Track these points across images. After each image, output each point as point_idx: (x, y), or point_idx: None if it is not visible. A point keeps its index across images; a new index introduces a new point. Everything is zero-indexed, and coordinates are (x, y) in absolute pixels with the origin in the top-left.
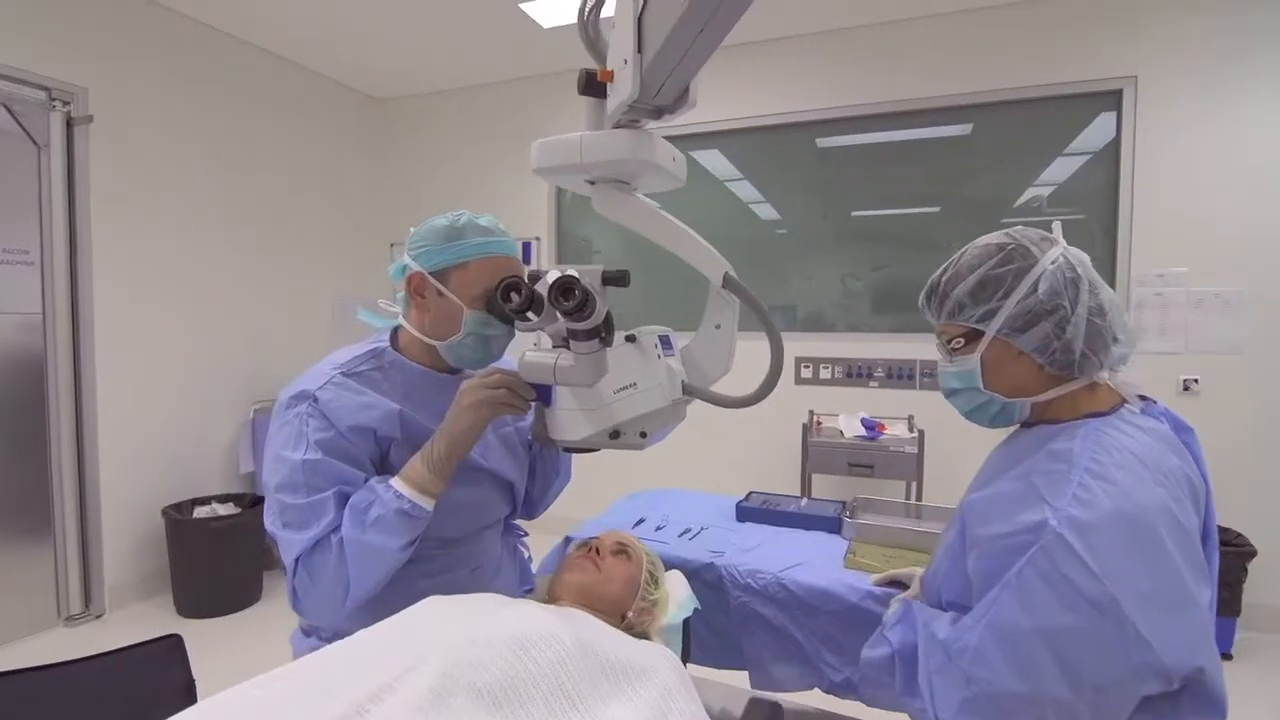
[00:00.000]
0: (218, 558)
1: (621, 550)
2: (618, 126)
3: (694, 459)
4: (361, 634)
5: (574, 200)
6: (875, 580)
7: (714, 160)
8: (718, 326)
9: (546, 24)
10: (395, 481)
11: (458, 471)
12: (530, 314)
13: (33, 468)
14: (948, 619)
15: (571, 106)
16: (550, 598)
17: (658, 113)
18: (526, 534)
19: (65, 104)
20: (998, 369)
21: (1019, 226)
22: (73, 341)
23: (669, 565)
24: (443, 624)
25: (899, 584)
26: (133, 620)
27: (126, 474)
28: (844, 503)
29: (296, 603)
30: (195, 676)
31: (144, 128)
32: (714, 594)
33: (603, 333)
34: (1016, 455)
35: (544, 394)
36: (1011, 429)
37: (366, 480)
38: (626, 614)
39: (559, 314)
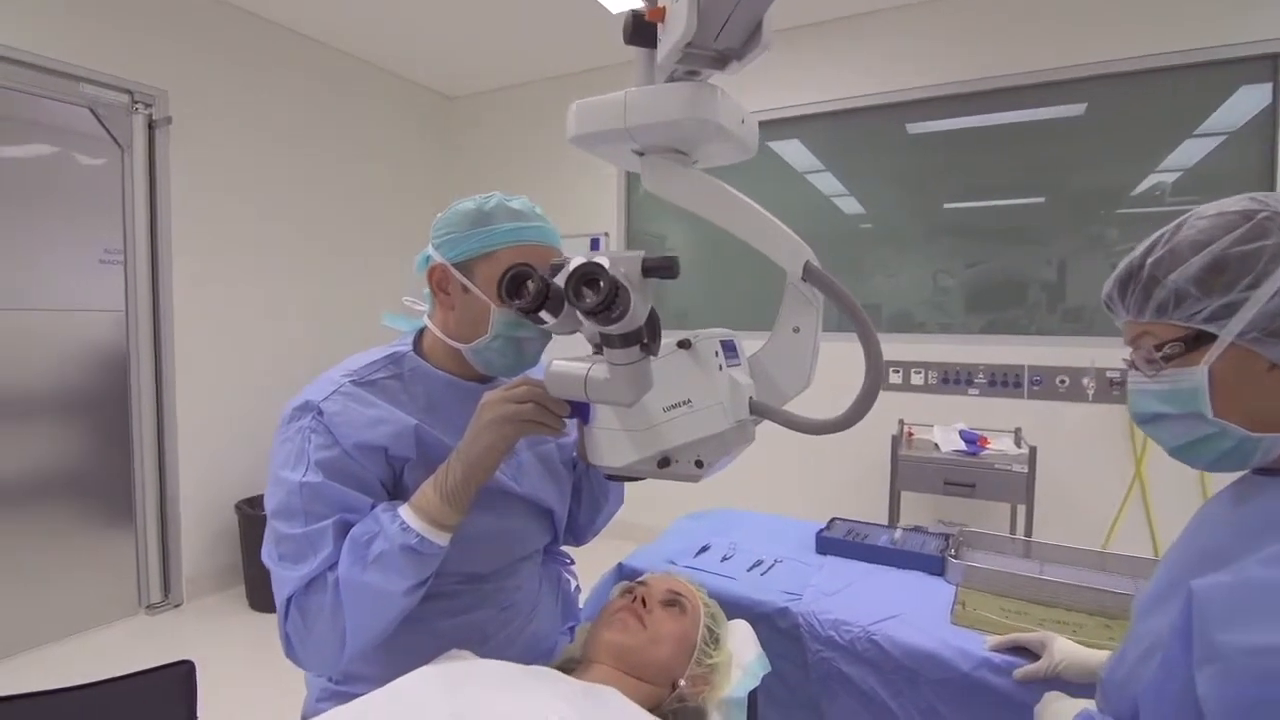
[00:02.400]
0: None
1: (674, 601)
2: (672, 80)
3: (764, 470)
4: None
5: (646, 193)
6: (992, 644)
7: (793, 151)
8: (796, 330)
9: (615, 9)
10: (404, 510)
11: (484, 498)
12: (545, 313)
13: (116, 459)
14: None
15: None
16: (584, 658)
17: (722, 60)
18: (572, 561)
19: (147, 106)
20: (1235, 389)
21: (1265, 192)
22: (154, 337)
23: (736, 609)
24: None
25: (1024, 650)
26: (208, 611)
27: (204, 468)
28: (946, 536)
29: (290, 650)
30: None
31: (220, 128)
32: (789, 644)
33: (645, 338)
34: (1270, 519)
35: (581, 409)
36: (1237, 474)
37: (374, 508)
38: (678, 683)
39: (580, 314)
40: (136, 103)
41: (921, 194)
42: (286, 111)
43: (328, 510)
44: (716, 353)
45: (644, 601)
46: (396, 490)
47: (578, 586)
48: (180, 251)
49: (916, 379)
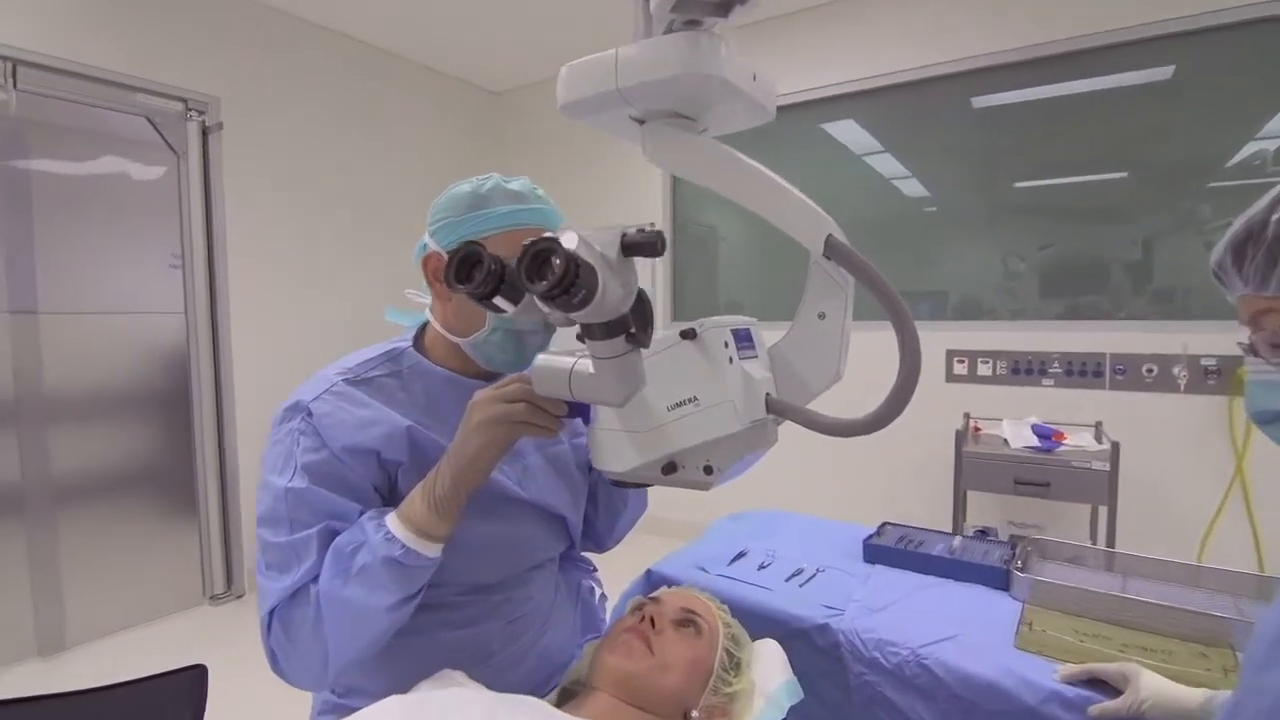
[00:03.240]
0: None
1: (688, 621)
2: (670, 33)
3: (814, 469)
4: None
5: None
6: (1064, 675)
7: (848, 132)
8: (822, 315)
9: None
10: (390, 520)
11: (486, 504)
12: (500, 299)
13: (180, 454)
14: None
15: None
16: (587, 683)
17: (724, 5)
18: (594, 568)
19: (200, 113)
20: None
21: None
22: (212, 337)
23: (771, 624)
24: None
25: (1101, 683)
26: None
27: (260, 463)
28: (1012, 545)
29: (274, 665)
30: None
31: (269, 131)
32: (829, 663)
33: (631, 327)
34: None
35: (580, 408)
36: None
37: (362, 515)
38: (690, 713)
39: (538, 300)
40: (190, 110)
41: (989, 173)
42: (333, 112)
43: (313, 518)
44: (726, 343)
45: (653, 621)
46: (391, 496)
47: (603, 594)
48: (234, 253)
49: (984, 369)
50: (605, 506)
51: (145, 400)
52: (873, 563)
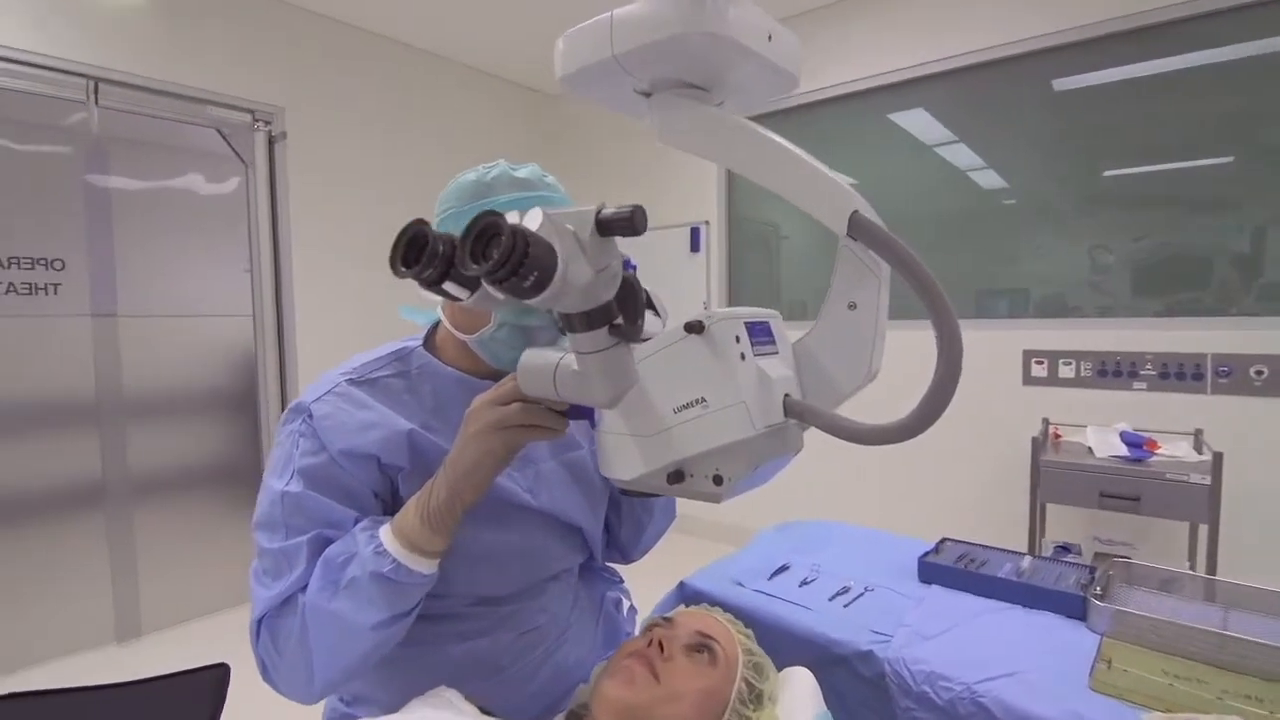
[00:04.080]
0: None
1: (702, 646)
2: None
3: (871, 475)
4: None
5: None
6: None
7: (918, 122)
8: (852, 306)
9: None
10: (383, 532)
11: (494, 512)
12: (451, 285)
13: (247, 451)
14: None
15: None
16: (590, 711)
17: None
18: (620, 579)
19: (266, 124)
20: None
21: None
22: (278, 338)
23: (809, 648)
24: None
25: None
26: None
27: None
28: (1092, 569)
29: (264, 675)
30: None
31: (330, 138)
32: (872, 694)
33: (615, 317)
34: None
35: (584, 410)
36: None
37: (358, 523)
38: None
39: (489, 285)
40: (257, 121)
41: (1075, 161)
42: (392, 118)
43: (308, 524)
44: (738, 338)
45: (661, 646)
46: (394, 503)
47: (632, 607)
48: (299, 256)
49: (1066, 371)
50: (629, 517)
51: (215, 399)
52: (928, 583)
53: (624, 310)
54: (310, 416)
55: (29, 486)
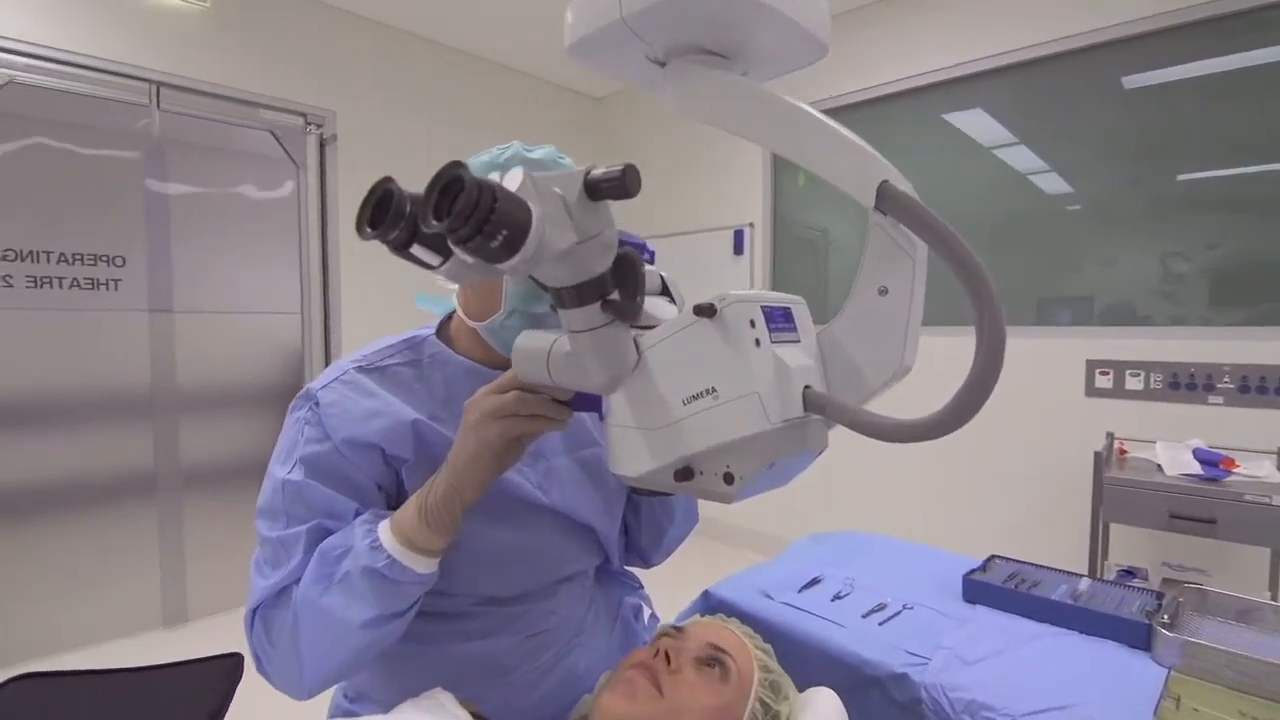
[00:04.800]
0: None
1: (714, 660)
2: None
3: (916, 485)
4: None
5: (800, 181)
6: None
7: (976, 122)
8: (883, 291)
9: None
10: (382, 526)
11: (502, 508)
12: (419, 248)
13: None
14: None
15: (787, 80)
16: None
17: None
18: (640, 585)
19: (318, 126)
20: None
21: None
22: (324, 335)
23: (835, 666)
24: None
25: None
26: None
27: None
28: (1159, 595)
29: (259, 667)
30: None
31: (380, 141)
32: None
33: (610, 292)
34: None
35: (589, 400)
36: None
37: (359, 516)
38: None
39: (454, 246)
40: (309, 124)
41: (1146, 163)
42: (439, 121)
43: (308, 513)
44: (753, 322)
45: (668, 657)
46: (400, 498)
47: (654, 615)
48: (346, 256)
49: (1133, 382)
50: (647, 519)
51: (263, 394)
52: (973, 602)
53: (621, 285)
54: (316, 404)
55: (86, 476)
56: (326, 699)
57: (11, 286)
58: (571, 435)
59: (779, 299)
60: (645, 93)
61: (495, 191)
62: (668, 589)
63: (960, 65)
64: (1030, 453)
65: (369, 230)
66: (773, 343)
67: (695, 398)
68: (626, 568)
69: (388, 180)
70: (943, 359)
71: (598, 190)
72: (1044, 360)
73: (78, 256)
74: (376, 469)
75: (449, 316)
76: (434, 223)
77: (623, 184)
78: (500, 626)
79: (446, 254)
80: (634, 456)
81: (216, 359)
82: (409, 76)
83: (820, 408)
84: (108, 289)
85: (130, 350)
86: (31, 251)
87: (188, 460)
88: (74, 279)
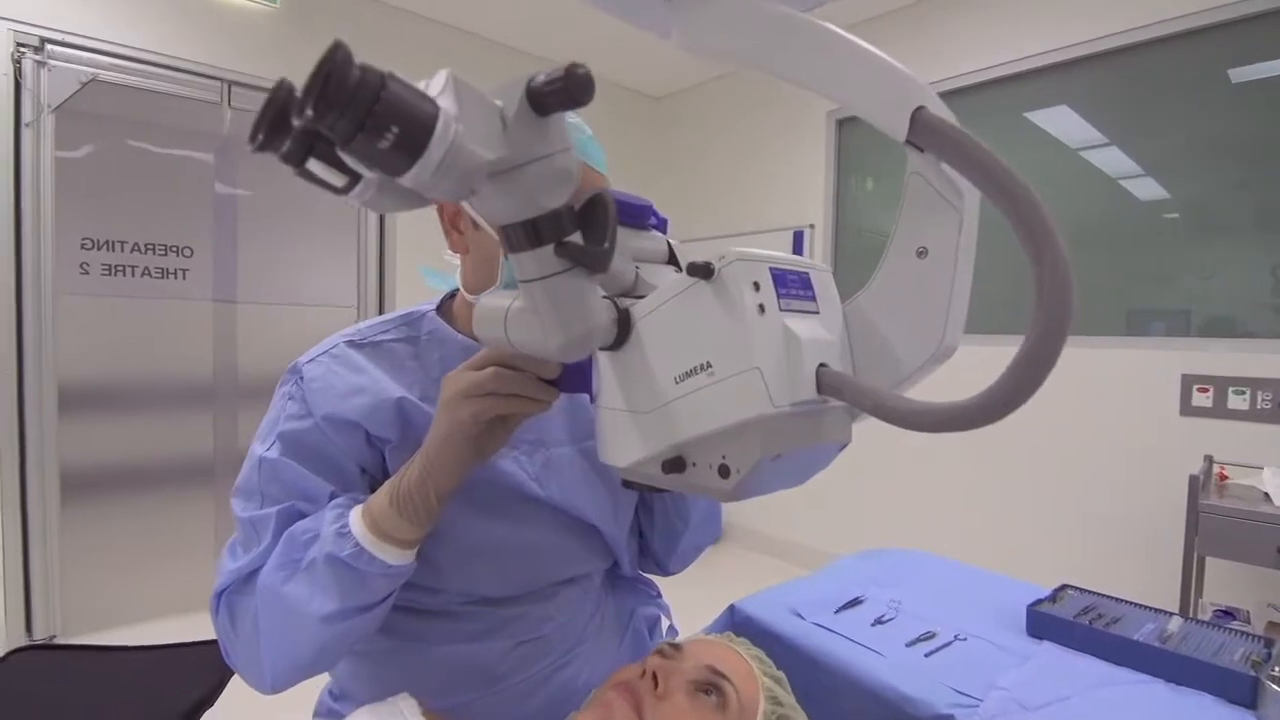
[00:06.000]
0: None
1: (711, 686)
2: None
3: (982, 504)
4: None
5: (862, 182)
6: None
7: (1062, 121)
8: (922, 253)
9: None
10: (355, 512)
11: (494, 500)
12: (317, 166)
13: None
14: None
15: None
16: None
17: None
18: (658, 594)
19: None
20: None
21: None
22: None
23: (870, 701)
24: None
25: None
26: None
27: None
28: (1267, 642)
29: (225, 656)
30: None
31: None
32: None
33: (567, 233)
34: None
35: (576, 378)
36: None
37: (334, 499)
38: None
39: (343, 151)
40: None
41: (1255, 165)
42: None
43: (282, 494)
44: (757, 285)
45: (656, 679)
46: (385, 480)
47: (673, 627)
48: (403, 251)
49: (1237, 401)
50: (661, 522)
51: None
52: (1039, 638)
53: (585, 228)
54: (301, 379)
55: (150, 461)
56: (312, 697)
57: (88, 274)
58: (577, 423)
59: (797, 262)
60: (661, 39)
61: (385, 78)
62: (692, 600)
63: (1042, 55)
64: (1115, 474)
65: (260, 138)
66: (782, 311)
67: (688, 374)
68: (643, 574)
69: (286, 82)
70: (979, 370)
71: (542, 100)
72: (1134, 374)
73: (150, 246)
74: (359, 450)
75: (454, 293)
76: (307, 113)
77: (567, 89)
78: (491, 629)
79: (345, 168)
80: (623, 443)
81: (275, 350)
82: (469, 75)
83: (835, 389)
84: (176, 278)
85: (195, 339)
86: (107, 241)
87: (245, 449)
88: (145, 268)
